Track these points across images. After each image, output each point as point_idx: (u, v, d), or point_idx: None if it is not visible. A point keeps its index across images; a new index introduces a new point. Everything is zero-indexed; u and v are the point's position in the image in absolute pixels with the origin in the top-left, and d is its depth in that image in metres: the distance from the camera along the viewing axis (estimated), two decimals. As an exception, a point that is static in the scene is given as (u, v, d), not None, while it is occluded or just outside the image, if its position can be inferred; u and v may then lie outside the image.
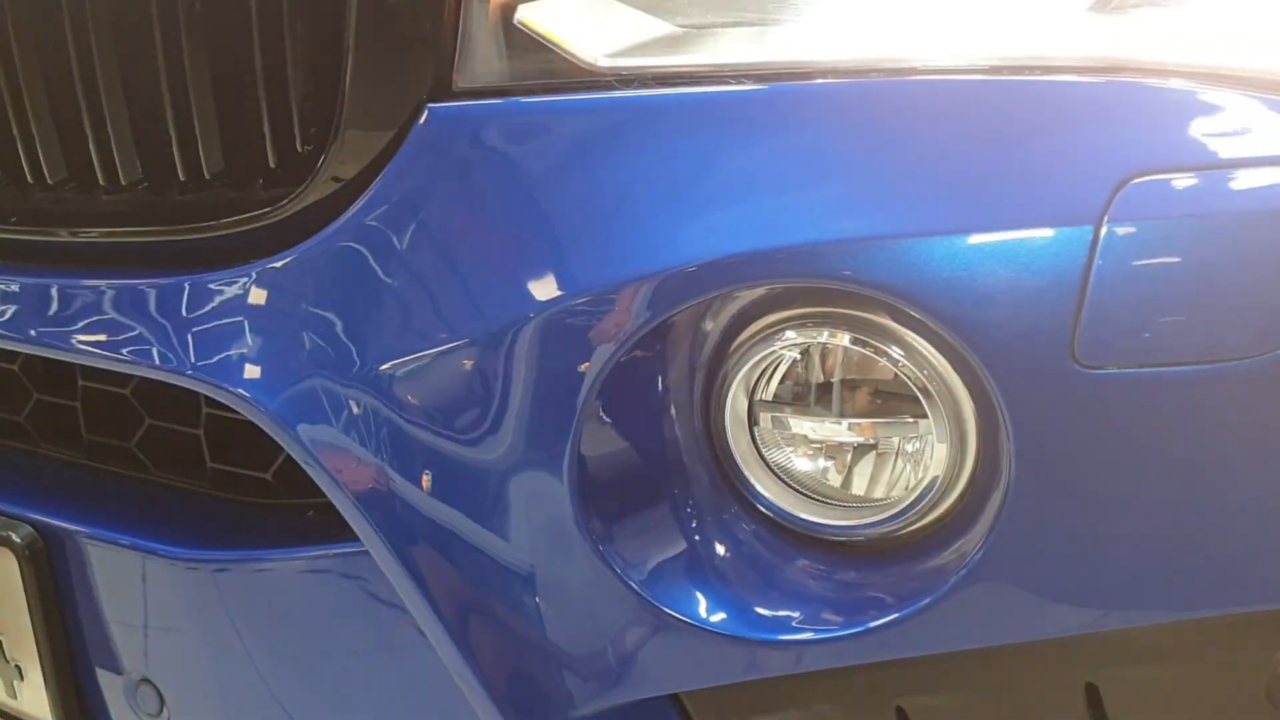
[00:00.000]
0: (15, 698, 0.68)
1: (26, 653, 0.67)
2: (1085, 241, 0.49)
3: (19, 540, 0.65)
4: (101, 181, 0.64)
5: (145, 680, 0.65)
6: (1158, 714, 0.54)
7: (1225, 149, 0.50)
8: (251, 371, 0.57)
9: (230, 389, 0.57)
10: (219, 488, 0.64)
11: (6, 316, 0.64)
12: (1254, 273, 0.49)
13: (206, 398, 0.64)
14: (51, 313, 0.63)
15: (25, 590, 0.65)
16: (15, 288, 0.66)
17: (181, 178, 0.62)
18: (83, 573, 0.65)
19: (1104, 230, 0.49)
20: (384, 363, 0.55)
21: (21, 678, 0.68)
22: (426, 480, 0.53)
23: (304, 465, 0.55)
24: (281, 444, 0.56)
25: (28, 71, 0.64)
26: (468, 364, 0.54)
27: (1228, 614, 0.51)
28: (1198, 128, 0.50)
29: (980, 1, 0.54)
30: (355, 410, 0.55)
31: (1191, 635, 0.53)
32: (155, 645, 0.64)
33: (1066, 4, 0.54)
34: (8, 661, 0.68)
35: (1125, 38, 0.52)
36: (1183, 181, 0.50)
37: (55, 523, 0.65)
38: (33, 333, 0.64)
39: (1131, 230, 0.49)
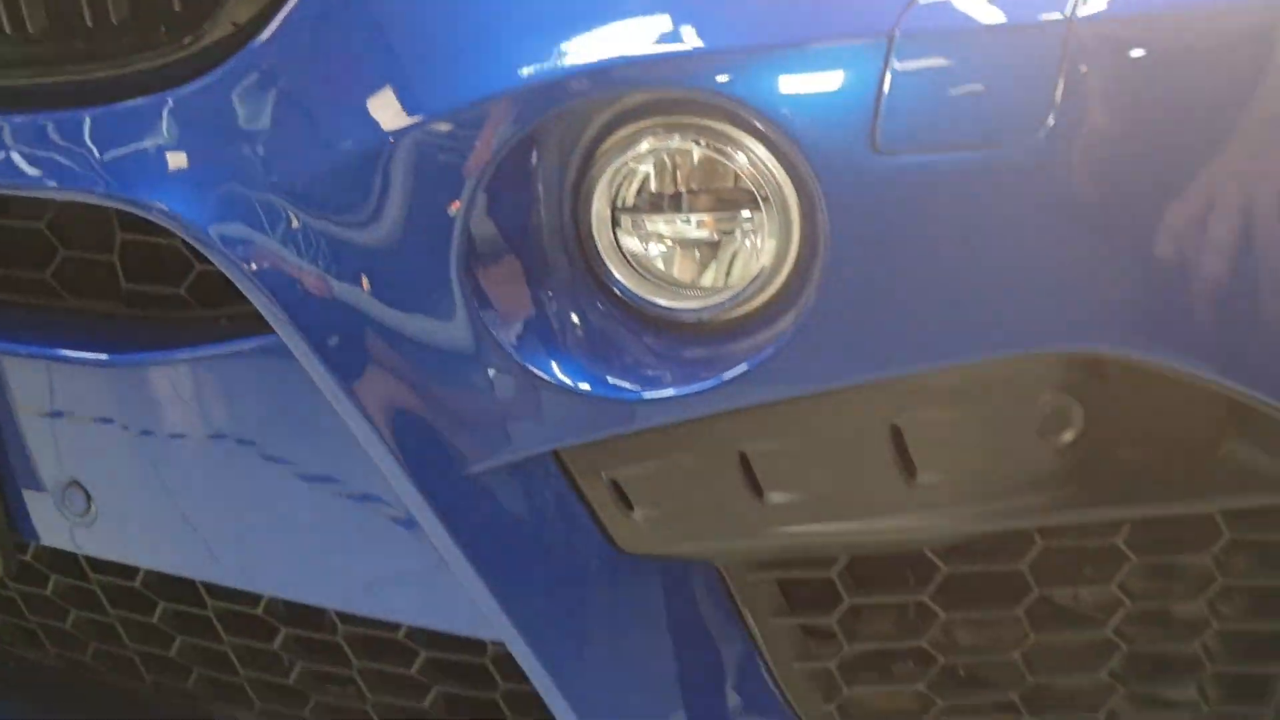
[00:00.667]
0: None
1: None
2: (882, 48, 0.59)
3: (-53, 360, 0.71)
4: (9, 31, 0.70)
5: (73, 483, 0.72)
6: (949, 450, 0.66)
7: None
8: (166, 185, 0.64)
9: (148, 201, 0.63)
10: (134, 307, 0.71)
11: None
12: (1014, 73, 0.60)
13: (121, 223, 0.70)
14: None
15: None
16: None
17: (89, 24, 0.68)
18: (4, 390, 0.72)
19: (897, 38, 0.59)
20: (282, 171, 0.63)
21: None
22: (332, 268, 0.61)
23: (216, 261, 0.62)
24: (194, 243, 0.63)
25: None
26: (360, 167, 0.62)
27: (1000, 358, 0.63)
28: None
29: None
30: (261, 212, 0.62)
31: (974, 380, 0.65)
32: (79, 450, 0.71)
33: None
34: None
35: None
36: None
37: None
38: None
39: (918, 39, 0.59)
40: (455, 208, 0.60)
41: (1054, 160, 0.60)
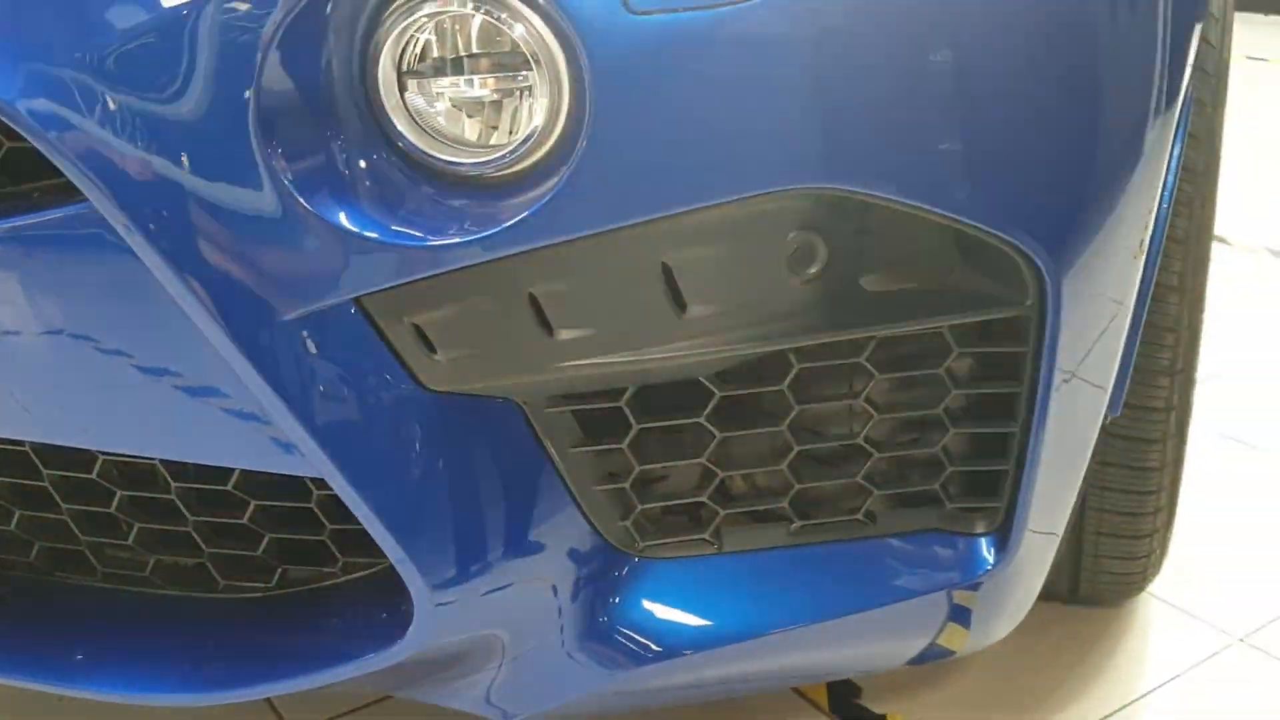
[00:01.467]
0: None
1: None
2: (627, -80, 0.67)
3: None
4: None
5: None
6: (713, 284, 0.75)
7: None
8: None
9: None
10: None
11: None
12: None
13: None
14: None
15: None
16: None
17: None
18: None
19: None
20: (85, 45, 0.67)
21: None
22: (138, 133, 0.66)
23: (26, 134, 0.66)
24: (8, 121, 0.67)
25: None
26: (161, 31, 0.66)
27: (749, 199, 0.72)
28: None
29: None
30: (66, 86, 0.66)
31: (730, 220, 0.73)
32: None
33: None
34: None
35: None
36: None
37: None
38: None
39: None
40: (249, 60, 0.66)
41: (787, 12, 0.68)
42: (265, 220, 0.67)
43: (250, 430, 0.73)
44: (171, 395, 0.73)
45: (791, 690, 1.20)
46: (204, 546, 0.86)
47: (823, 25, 0.68)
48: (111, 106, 0.66)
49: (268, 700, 1.17)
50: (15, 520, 0.89)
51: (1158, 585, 1.32)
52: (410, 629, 0.77)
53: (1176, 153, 0.93)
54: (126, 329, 0.72)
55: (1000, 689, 1.18)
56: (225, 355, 0.70)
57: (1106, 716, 1.16)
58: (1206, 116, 1.03)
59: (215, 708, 1.10)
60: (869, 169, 0.71)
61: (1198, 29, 0.87)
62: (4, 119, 0.68)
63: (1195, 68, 0.93)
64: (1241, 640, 1.27)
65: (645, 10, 0.67)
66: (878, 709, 1.16)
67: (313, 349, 0.71)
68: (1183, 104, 0.88)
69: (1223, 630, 1.28)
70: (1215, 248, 1.17)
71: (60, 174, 0.69)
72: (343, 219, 0.68)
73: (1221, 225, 1.32)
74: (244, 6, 0.64)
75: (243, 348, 0.69)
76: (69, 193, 0.69)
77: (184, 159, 0.66)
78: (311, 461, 0.73)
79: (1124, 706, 1.19)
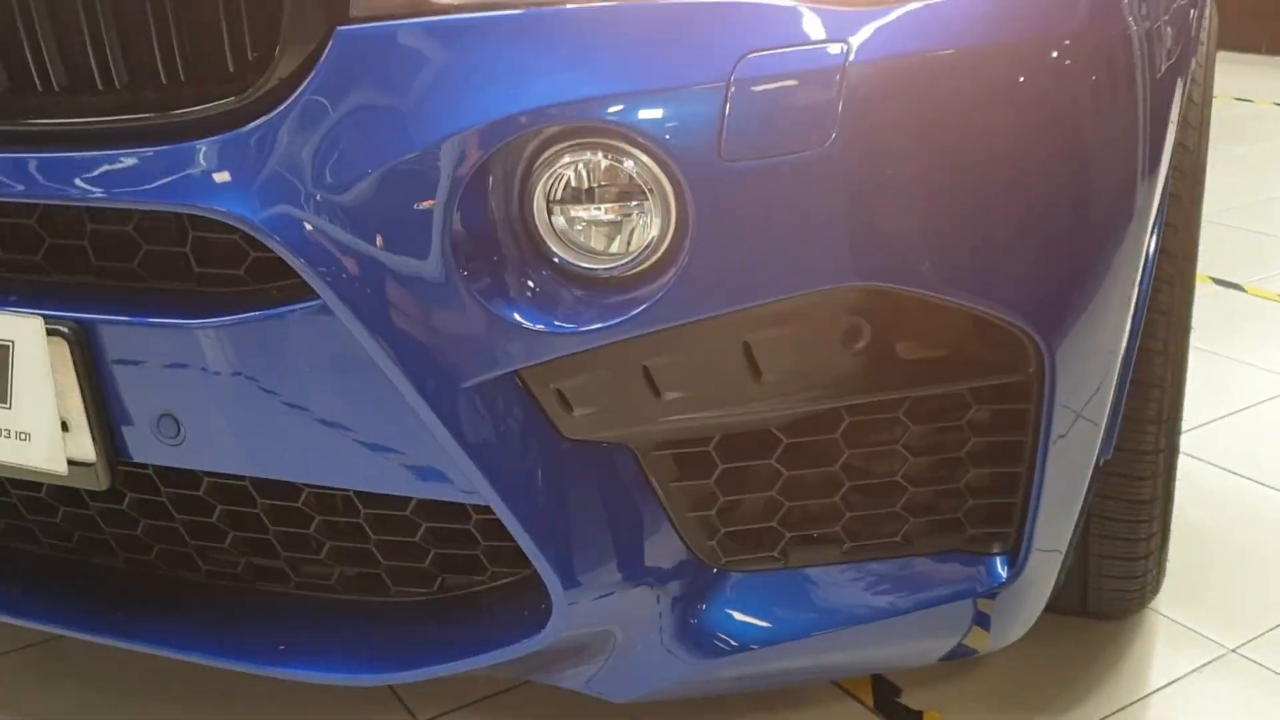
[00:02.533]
0: (66, 446, 1.01)
1: (74, 411, 1.00)
2: (721, 91, 0.90)
3: (67, 331, 0.97)
4: (100, 87, 0.96)
5: (166, 414, 0.99)
6: (783, 357, 0.97)
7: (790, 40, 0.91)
8: (235, 198, 0.91)
9: (223, 209, 0.91)
10: (205, 286, 0.98)
11: (42, 182, 0.96)
12: (809, 103, 0.91)
13: (192, 224, 0.97)
14: (78, 178, 0.95)
15: (74, 366, 0.98)
16: (36, 162, 0.97)
17: (163, 80, 0.94)
18: (111, 347, 0.98)
19: (731, 84, 0.89)
20: (333, 182, 0.91)
21: (68, 430, 1.00)
22: (373, 268, 0.90)
23: (274, 249, 0.90)
24: (256, 236, 0.91)
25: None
26: (376, 181, 0.90)
27: (813, 293, 0.94)
28: (782, 29, 0.92)
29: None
30: (317, 216, 0.90)
31: (797, 309, 0.96)
32: (171, 390, 0.98)
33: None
34: (61, 419, 1.00)
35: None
36: (780, 53, 0.92)
37: (87, 316, 0.98)
38: (69, 190, 0.95)
39: (744, 84, 0.90)
40: (443, 207, 0.89)
41: (836, 162, 0.91)
42: (454, 316, 0.91)
43: (432, 468, 0.96)
44: (373, 442, 0.97)
45: (839, 687, 1.41)
46: (381, 560, 1.09)
47: (862, 174, 0.91)
48: (342, 232, 0.90)
49: (396, 696, 1.40)
50: (229, 539, 1.12)
51: (1159, 602, 1.52)
52: (549, 624, 1.00)
53: (1155, 242, 1.15)
54: (344, 391, 0.95)
55: (1018, 690, 1.39)
56: (419, 412, 0.93)
57: (1109, 715, 1.37)
58: (1184, 209, 1.24)
59: (350, 702, 1.34)
60: (900, 271, 0.94)
61: (1170, 143, 1.09)
62: (259, 235, 0.91)
63: (1173, 168, 1.15)
64: (1233, 651, 1.47)
65: (734, 158, 0.90)
66: (915, 707, 1.38)
67: (483, 408, 0.94)
68: (1159, 202, 1.10)
69: (1218, 642, 1.48)
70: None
71: (297, 276, 0.92)
72: (508, 314, 0.92)
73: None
74: (437, 163, 0.88)
75: (433, 407, 0.93)
76: (304, 291, 0.93)
77: (396, 273, 0.90)
78: (479, 492, 0.96)
79: (1126, 706, 1.39)
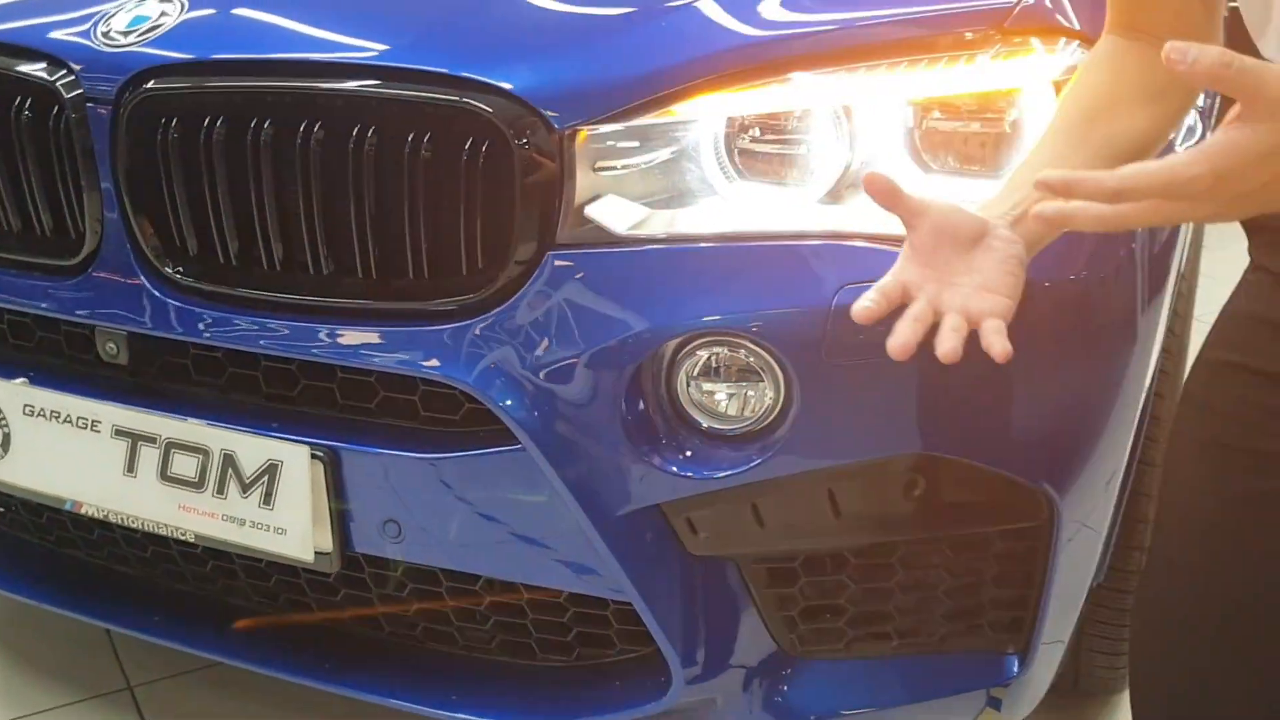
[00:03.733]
0: (315, 540, 1.33)
1: (321, 514, 1.32)
2: (824, 311, 1.22)
3: (324, 456, 1.30)
4: (359, 275, 1.29)
5: (391, 520, 1.31)
6: (858, 502, 1.29)
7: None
8: (462, 370, 1.24)
9: (455, 379, 1.23)
10: (428, 425, 1.31)
11: (306, 343, 1.29)
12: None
13: (423, 382, 1.29)
14: (338, 343, 1.28)
15: (327, 482, 1.30)
16: (304, 328, 1.30)
17: (410, 275, 1.27)
18: (353, 468, 1.31)
19: (832, 307, 1.21)
20: (538, 362, 1.23)
21: (311, 528, 1.33)
22: (560, 424, 1.22)
23: (498, 413, 1.22)
24: (477, 398, 1.23)
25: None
26: (570, 369, 1.22)
27: (885, 457, 1.26)
28: (869, 265, 1.24)
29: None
30: (523, 386, 1.22)
31: (873, 466, 1.27)
32: (393, 501, 1.30)
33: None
34: (305, 521, 1.32)
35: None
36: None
37: (338, 445, 1.30)
38: (329, 351, 1.28)
39: (839, 309, 1.22)
40: (615, 386, 1.22)
41: (901, 366, 1.23)
42: (617, 463, 1.23)
43: (588, 570, 1.28)
44: (545, 549, 1.29)
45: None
46: (534, 632, 1.41)
47: (920, 374, 1.22)
48: (541, 399, 1.22)
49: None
50: (414, 609, 1.44)
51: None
52: (669, 692, 1.31)
53: (1147, 424, 1.47)
54: (528, 511, 1.28)
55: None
56: (585, 530, 1.25)
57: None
58: (1170, 379, 1.56)
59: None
60: (950, 443, 1.26)
61: (1159, 344, 1.41)
62: (478, 397, 1.24)
63: (1162, 351, 1.47)
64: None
65: (834, 359, 1.22)
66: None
67: (632, 529, 1.26)
68: (1148, 393, 1.41)
69: None
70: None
71: (501, 425, 1.25)
72: (657, 463, 1.24)
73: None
74: (613, 360, 1.21)
75: (596, 527, 1.25)
76: (507, 438, 1.25)
77: (577, 430, 1.23)
78: (623, 590, 1.27)
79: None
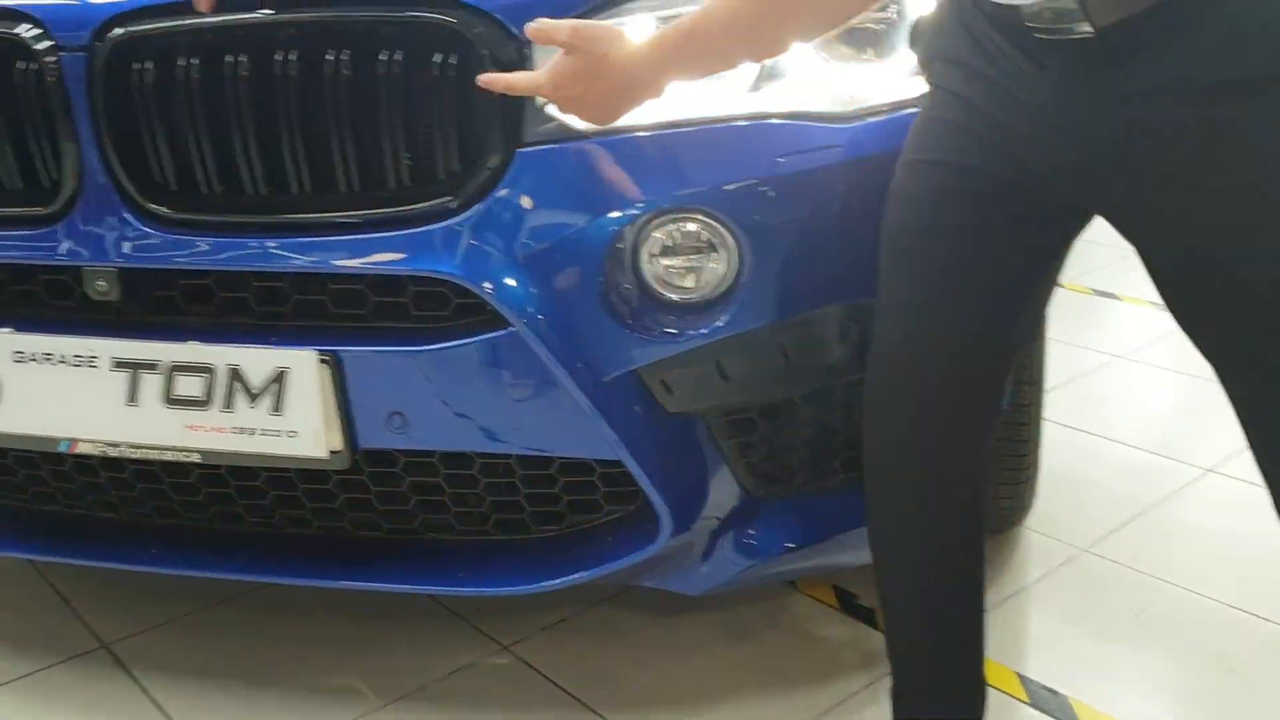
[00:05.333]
0: (323, 439, 1.44)
1: (330, 414, 1.43)
2: (765, 180, 1.40)
3: (329, 359, 1.41)
4: (342, 190, 1.40)
5: (396, 413, 1.43)
6: (809, 352, 1.49)
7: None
8: (452, 264, 1.37)
9: (445, 273, 1.36)
10: (418, 324, 1.43)
11: (298, 258, 1.39)
12: (812, 190, 1.43)
13: (412, 281, 1.42)
14: (330, 255, 1.39)
15: (333, 382, 1.41)
16: (295, 244, 1.40)
17: (392, 186, 1.39)
18: (356, 369, 1.42)
19: (771, 177, 1.40)
20: (517, 251, 1.37)
21: (323, 428, 1.44)
22: (544, 305, 1.36)
23: (488, 300, 1.36)
24: (471, 290, 1.36)
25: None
26: (548, 253, 1.37)
27: (824, 308, 1.46)
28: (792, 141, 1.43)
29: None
30: (507, 274, 1.37)
31: (812, 317, 1.47)
32: (398, 395, 1.43)
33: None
34: (322, 420, 1.43)
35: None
36: (800, 155, 1.43)
37: (340, 348, 1.42)
38: (321, 263, 1.39)
39: (778, 178, 1.41)
40: (591, 265, 1.38)
41: (837, 224, 1.43)
42: (599, 334, 1.39)
43: (580, 435, 1.44)
44: (540, 421, 1.44)
45: (810, 596, 1.93)
46: (527, 507, 1.55)
47: (850, 234, 1.43)
48: (526, 283, 1.37)
49: (481, 632, 1.86)
50: (412, 503, 1.57)
51: (1030, 520, 2.11)
52: (658, 539, 1.48)
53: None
54: (522, 387, 1.42)
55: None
56: (575, 398, 1.41)
57: (1004, 598, 1.93)
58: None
59: (449, 641, 1.79)
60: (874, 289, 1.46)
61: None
62: (469, 288, 1.37)
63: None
64: (1085, 551, 2.06)
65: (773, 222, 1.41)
66: (868, 606, 1.91)
67: (616, 394, 1.42)
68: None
69: (1073, 545, 2.07)
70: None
71: (489, 314, 1.39)
72: (634, 332, 1.41)
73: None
74: (593, 237, 1.37)
75: (585, 394, 1.40)
76: (497, 324, 1.39)
77: (561, 308, 1.38)
78: (614, 450, 1.43)
79: (1014, 594, 1.96)
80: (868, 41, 1.54)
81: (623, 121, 1.39)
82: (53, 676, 1.84)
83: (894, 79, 1.51)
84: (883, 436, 1.34)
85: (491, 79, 1.27)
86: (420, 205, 1.38)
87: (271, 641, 1.88)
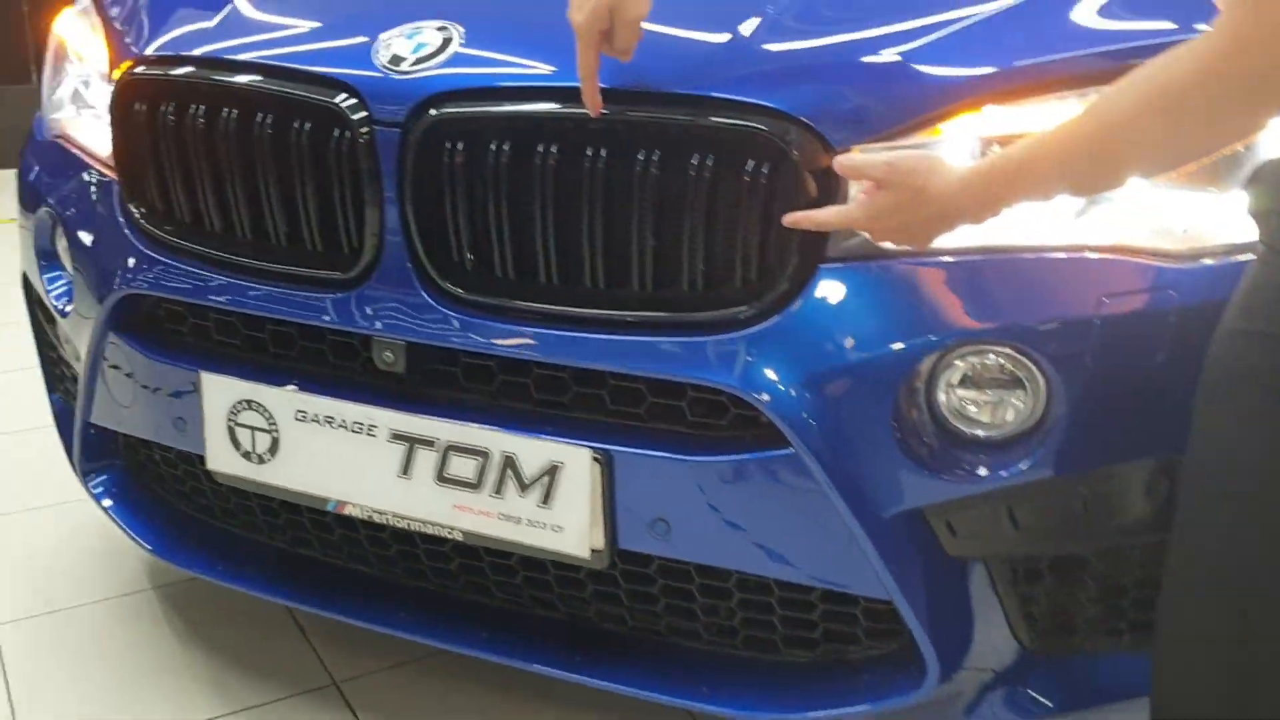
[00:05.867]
0: (587, 538, 1.41)
1: (597, 513, 1.39)
2: (1088, 321, 1.29)
3: (601, 458, 1.38)
4: (636, 288, 1.37)
5: (660, 519, 1.39)
6: (1112, 506, 1.35)
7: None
8: (738, 376, 1.31)
9: (731, 386, 1.31)
10: (693, 429, 1.39)
11: (583, 352, 1.37)
12: (1141, 336, 1.30)
13: (692, 388, 1.37)
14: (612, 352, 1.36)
15: (603, 481, 1.38)
16: (580, 339, 1.38)
17: (684, 289, 1.35)
18: (626, 470, 1.38)
19: (1095, 319, 1.28)
20: (806, 370, 1.30)
21: (588, 526, 1.41)
22: (830, 430, 1.29)
23: (771, 417, 1.30)
24: (751, 403, 1.30)
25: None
26: (839, 376, 1.30)
27: (1135, 462, 1.33)
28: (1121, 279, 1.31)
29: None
30: (793, 393, 1.30)
31: (1119, 470, 1.34)
32: (666, 501, 1.38)
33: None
34: (584, 519, 1.40)
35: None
36: (1128, 296, 1.31)
37: (613, 448, 1.38)
38: (603, 360, 1.36)
39: (1104, 319, 1.29)
40: (884, 393, 1.29)
41: (1166, 371, 1.30)
42: (886, 467, 1.31)
43: (850, 569, 1.35)
44: (811, 548, 1.36)
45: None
46: (780, 628, 1.48)
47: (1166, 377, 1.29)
48: (813, 405, 1.30)
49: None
50: (660, 606, 1.52)
51: None
52: (923, 685, 1.38)
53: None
54: (795, 511, 1.35)
55: None
56: (852, 530, 1.32)
57: None
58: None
59: None
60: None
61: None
62: (752, 401, 1.31)
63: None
64: None
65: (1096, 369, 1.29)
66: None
67: (895, 531, 1.34)
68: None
69: None
70: None
71: (768, 429, 1.32)
72: (927, 468, 1.31)
73: None
74: (878, 372, 1.28)
75: (864, 528, 1.32)
76: (776, 441, 1.32)
77: (849, 434, 1.30)
78: (886, 588, 1.34)
79: None
80: (1206, 170, 1.40)
81: (938, 242, 1.30)
82: (281, 709, 1.88)
83: (1232, 216, 1.36)
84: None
85: (798, 219, 1.23)
86: (713, 313, 1.33)
87: (506, 693, 1.87)
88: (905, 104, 1.30)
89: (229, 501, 1.78)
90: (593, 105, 1.32)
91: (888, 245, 1.30)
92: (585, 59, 1.30)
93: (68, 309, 1.81)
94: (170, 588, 2.17)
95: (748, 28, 1.38)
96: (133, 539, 1.80)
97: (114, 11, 1.85)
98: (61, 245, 1.86)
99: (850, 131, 1.29)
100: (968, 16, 1.38)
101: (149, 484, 1.89)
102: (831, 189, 1.30)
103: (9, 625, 2.09)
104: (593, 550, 1.41)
